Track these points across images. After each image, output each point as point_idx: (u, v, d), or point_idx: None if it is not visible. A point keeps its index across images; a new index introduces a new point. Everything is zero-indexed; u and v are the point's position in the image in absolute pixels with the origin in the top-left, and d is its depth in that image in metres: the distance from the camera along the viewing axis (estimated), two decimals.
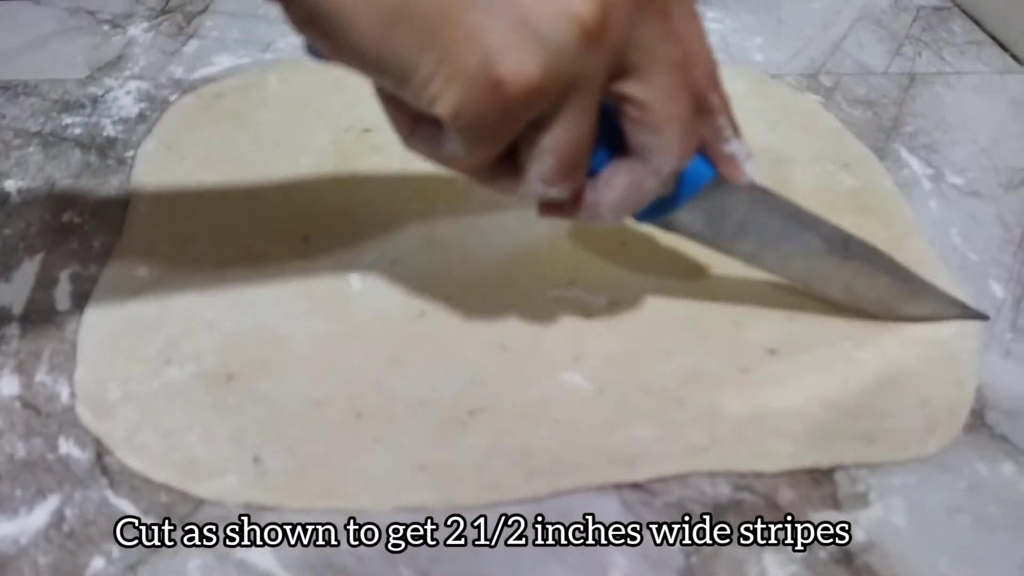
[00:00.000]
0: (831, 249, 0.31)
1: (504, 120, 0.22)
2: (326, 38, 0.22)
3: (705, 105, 0.26)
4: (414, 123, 0.24)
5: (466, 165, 0.24)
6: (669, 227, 0.30)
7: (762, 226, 0.30)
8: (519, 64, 0.21)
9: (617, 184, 0.26)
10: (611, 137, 0.25)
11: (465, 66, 0.21)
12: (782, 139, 0.43)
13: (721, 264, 0.35)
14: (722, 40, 0.51)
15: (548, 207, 0.27)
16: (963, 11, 0.55)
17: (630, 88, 0.24)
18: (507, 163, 0.25)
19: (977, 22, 0.54)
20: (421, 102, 0.22)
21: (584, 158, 0.25)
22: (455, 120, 0.22)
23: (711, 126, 0.27)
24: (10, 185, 0.38)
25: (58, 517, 0.26)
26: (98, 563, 0.25)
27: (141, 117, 0.42)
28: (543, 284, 0.34)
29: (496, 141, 0.23)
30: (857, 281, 0.32)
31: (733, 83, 0.45)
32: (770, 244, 0.31)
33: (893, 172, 0.41)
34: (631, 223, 0.30)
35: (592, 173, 0.26)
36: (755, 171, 0.28)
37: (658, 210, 0.29)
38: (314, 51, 0.24)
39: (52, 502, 0.27)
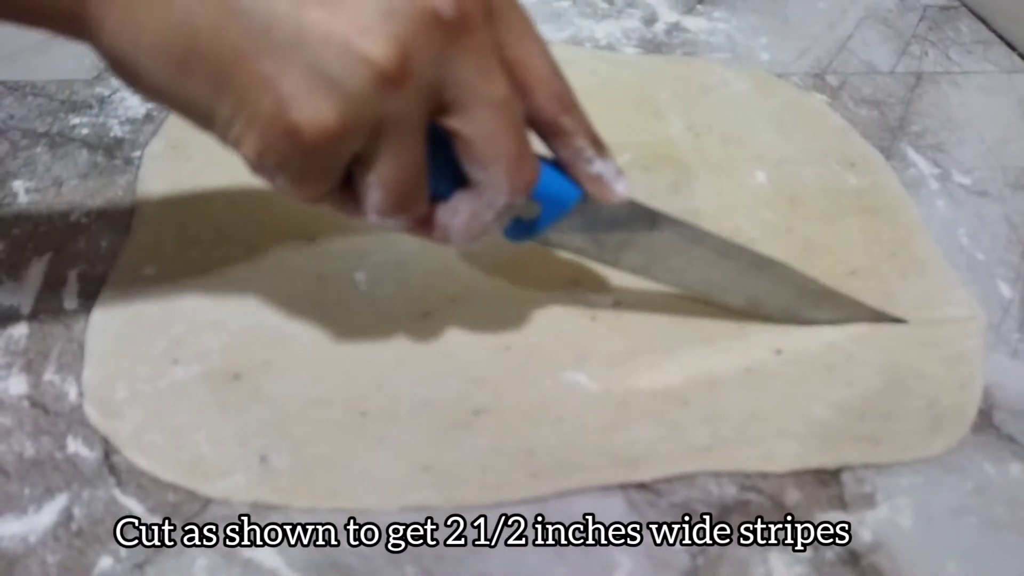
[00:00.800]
0: (723, 262, 0.31)
1: (313, 162, 0.22)
2: (130, 83, 0.22)
3: (557, 129, 0.26)
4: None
5: (302, 198, 0.24)
6: (546, 244, 0.30)
7: (647, 241, 0.30)
8: (314, 110, 0.21)
9: (461, 212, 0.26)
10: (457, 166, 0.25)
11: (260, 112, 0.21)
12: (788, 139, 0.42)
13: None
14: (728, 39, 0.50)
15: (412, 229, 0.27)
16: (970, 10, 0.55)
17: (453, 124, 0.24)
18: (349, 192, 0.25)
19: (984, 21, 0.53)
20: (228, 144, 0.23)
21: (415, 191, 0.25)
22: (260, 161, 0.22)
23: (569, 148, 0.27)
24: (18, 185, 0.38)
25: (66, 516, 0.26)
26: (106, 562, 0.25)
27: (148, 118, 0.42)
28: (547, 284, 0.34)
29: (318, 179, 0.23)
30: (758, 291, 0.32)
31: (739, 82, 0.46)
32: (659, 258, 0.31)
33: (900, 172, 0.41)
34: (507, 241, 0.29)
35: (445, 197, 0.26)
36: (628, 189, 0.28)
37: (527, 230, 0.29)
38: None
39: (60, 501, 0.27)
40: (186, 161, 0.40)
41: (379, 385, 0.30)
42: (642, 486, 0.28)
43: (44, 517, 0.26)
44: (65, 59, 0.47)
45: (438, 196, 0.26)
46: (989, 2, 0.53)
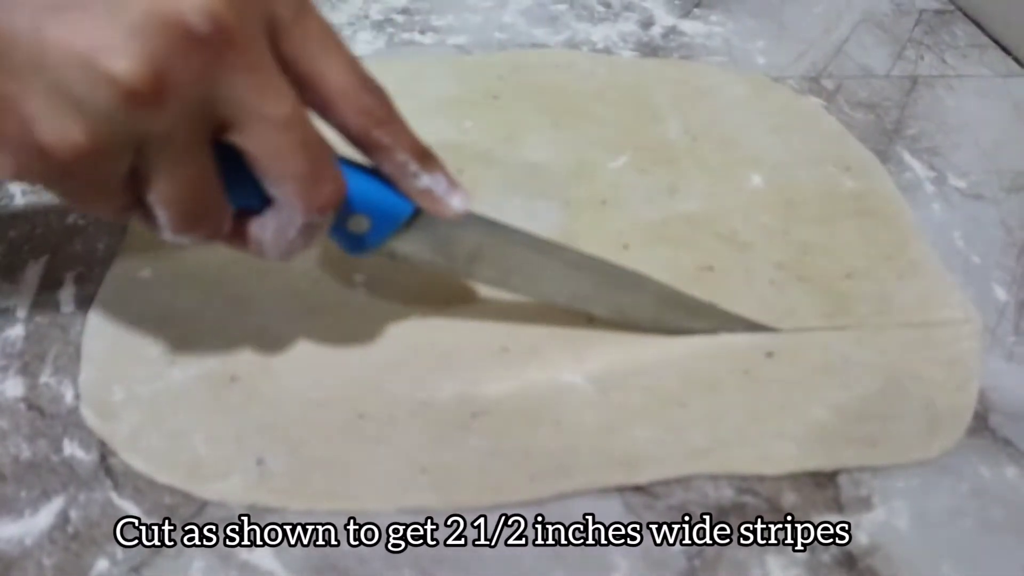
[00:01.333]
0: (579, 274, 0.31)
1: (77, 181, 0.22)
2: None
3: (371, 144, 0.26)
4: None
5: (98, 215, 0.24)
6: (392, 257, 0.29)
7: (498, 253, 0.30)
8: (61, 130, 0.20)
9: (268, 227, 0.25)
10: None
11: (7, 134, 0.21)
12: (784, 142, 0.43)
13: (722, 267, 0.36)
14: (724, 43, 0.51)
15: (224, 243, 0.26)
16: (965, 14, 0.55)
17: (235, 140, 0.23)
18: (146, 210, 0.24)
19: (979, 25, 0.54)
20: None
21: (206, 208, 0.24)
22: (22, 180, 0.22)
23: (390, 163, 0.26)
24: (14, 187, 0.38)
25: (62, 518, 0.26)
26: (102, 564, 0.25)
27: None
28: None
29: (96, 197, 0.23)
30: (621, 302, 0.32)
31: (735, 86, 0.46)
32: (513, 270, 0.30)
33: (895, 175, 0.41)
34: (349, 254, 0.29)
35: (259, 211, 0.26)
36: (465, 202, 0.27)
37: (360, 244, 0.28)
38: None
39: (56, 503, 0.27)
40: None
41: (377, 387, 0.30)
42: (639, 488, 0.28)
43: (40, 520, 0.26)
44: None
45: (251, 210, 0.26)
46: (984, 6, 0.54)
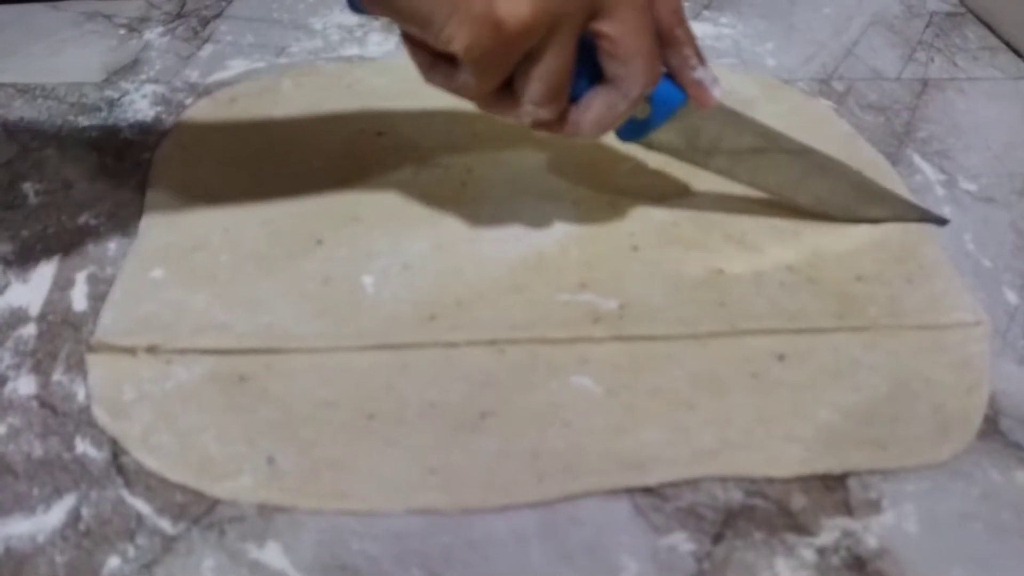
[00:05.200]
0: (794, 161, 0.36)
1: (505, 53, 0.28)
2: None
3: (672, 38, 0.31)
4: (432, 61, 0.30)
5: (475, 93, 0.30)
6: (649, 146, 0.35)
7: (733, 143, 0.35)
8: (514, 6, 0.26)
9: (595, 106, 0.31)
10: (591, 69, 0.30)
11: (472, 12, 0.26)
12: None
13: (731, 270, 0.36)
14: (734, 45, 0.51)
15: (541, 125, 0.31)
16: (976, 17, 0.55)
17: (603, 26, 0.29)
18: (506, 91, 0.30)
19: (990, 28, 0.53)
20: (440, 43, 0.28)
21: (565, 83, 0.30)
22: (467, 54, 0.27)
23: (679, 56, 0.32)
24: (27, 187, 0.38)
25: (74, 516, 0.27)
26: (114, 562, 0.26)
27: (157, 120, 0.43)
28: (554, 287, 0.34)
29: (499, 71, 0.29)
30: (822, 189, 0.37)
31: (745, 88, 0.46)
32: (742, 159, 0.36)
33: (906, 178, 0.41)
34: (618, 142, 0.35)
35: (576, 99, 0.31)
36: (721, 95, 0.33)
37: (638, 130, 0.34)
38: (354, 5, 0.29)
39: (69, 501, 0.27)
40: (195, 164, 0.40)
41: (386, 387, 0.31)
42: (648, 490, 0.28)
43: (53, 517, 0.27)
44: (75, 62, 0.47)
45: (571, 98, 0.31)
46: (995, 9, 0.53)
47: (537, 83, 0.29)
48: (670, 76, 0.32)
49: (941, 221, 0.38)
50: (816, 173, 0.37)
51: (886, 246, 0.37)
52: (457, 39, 0.27)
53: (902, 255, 0.37)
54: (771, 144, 0.36)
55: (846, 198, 0.37)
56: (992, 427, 0.30)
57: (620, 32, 0.29)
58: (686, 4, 0.54)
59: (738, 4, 0.54)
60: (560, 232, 0.37)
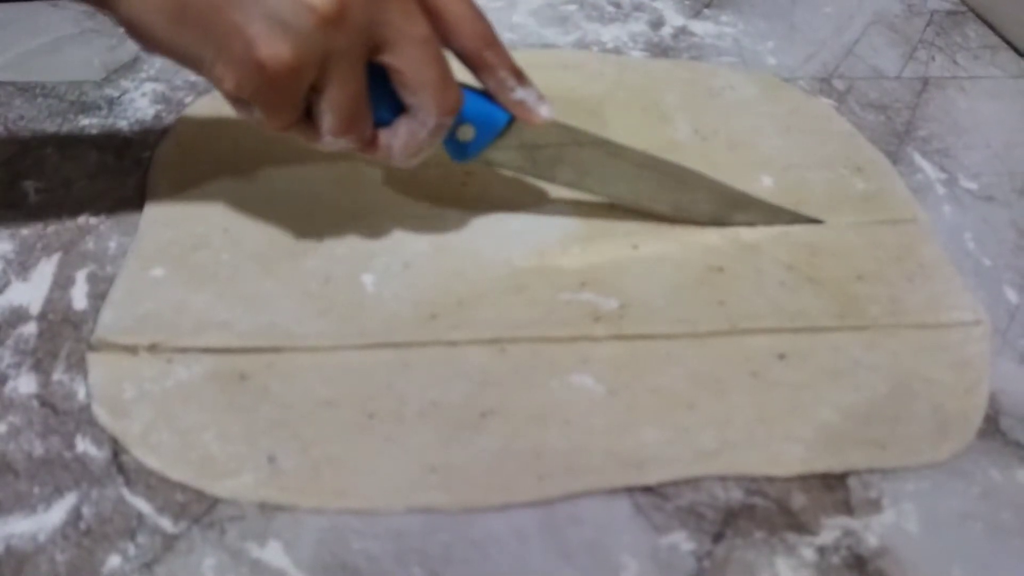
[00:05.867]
0: (645, 173, 0.36)
1: (278, 91, 0.28)
2: (141, 41, 0.28)
3: (482, 63, 0.32)
4: (233, 98, 0.30)
5: (271, 127, 0.30)
6: (488, 164, 0.35)
7: (575, 156, 0.35)
8: (274, 48, 0.27)
9: (400, 133, 0.31)
10: (396, 98, 0.31)
11: (234, 54, 0.27)
12: (794, 143, 0.42)
13: (732, 269, 0.36)
14: (735, 44, 0.51)
15: (359, 150, 0.32)
16: (977, 15, 0.55)
17: (387, 59, 0.29)
18: (309, 122, 0.30)
19: (991, 26, 0.53)
20: (213, 83, 0.28)
21: (359, 113, 0.30)
22: (237, 93, 0.28)
23: (494, 79, 0.32)
24: (27, 185, 0.38)
25: (75, 515, 0.27)
26: (114, 561, 0.26)
27: (157, 119, 0.43)
28: (554, 287, 0.34)
29: (284, 107, 0.29)
30: (681, 199, 0.37)
31: (745, 87, 0.46)
32: (588, 172, 0.36)
33: (906, 176, 0.41)
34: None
35: (387, 124, 0.32)
36: (550, 112, 0.33)
37: (466, 151, 0.34)
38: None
39: (69, 500, 0.27)
40: (195, 163, 0.40)
41: (387, 386, 0.31)
42: (648, 489, 0.28)
43: (53, 516, 0.27)
44: (75, 60, 0.47)
45: (382, 123, 0.31)
46: (996, 7, 0.53)
47: (329, 115, 0.29)
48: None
49: (815, 222, 0.37)
50: (671, 184, 0.36)
51: (886, 245, 0.37)
52: (225, 80, 0.28)
53: (902, 254, 0.37)
54: (614, 156, 0.35)
55: (709, 205, 0.37)
56: (992, 426, 0.30)
57: (405, 65, 0.29)
58: (686, 3, 0.54)
59: (739, 3, 0.54)
60: (560, 232, 0.37)
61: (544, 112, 0.33)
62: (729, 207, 0.37)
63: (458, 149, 0.34)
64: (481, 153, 0.34)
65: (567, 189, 0.36)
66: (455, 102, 0.31)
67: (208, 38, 0.27)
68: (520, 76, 0.32)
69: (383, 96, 0.30)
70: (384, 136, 0.32)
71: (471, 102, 0.32)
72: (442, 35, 0.30)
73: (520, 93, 0.32)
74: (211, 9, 0.27)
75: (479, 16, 0.31)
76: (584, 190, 0.36)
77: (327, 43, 0.27)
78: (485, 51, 0.31)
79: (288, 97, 0.29)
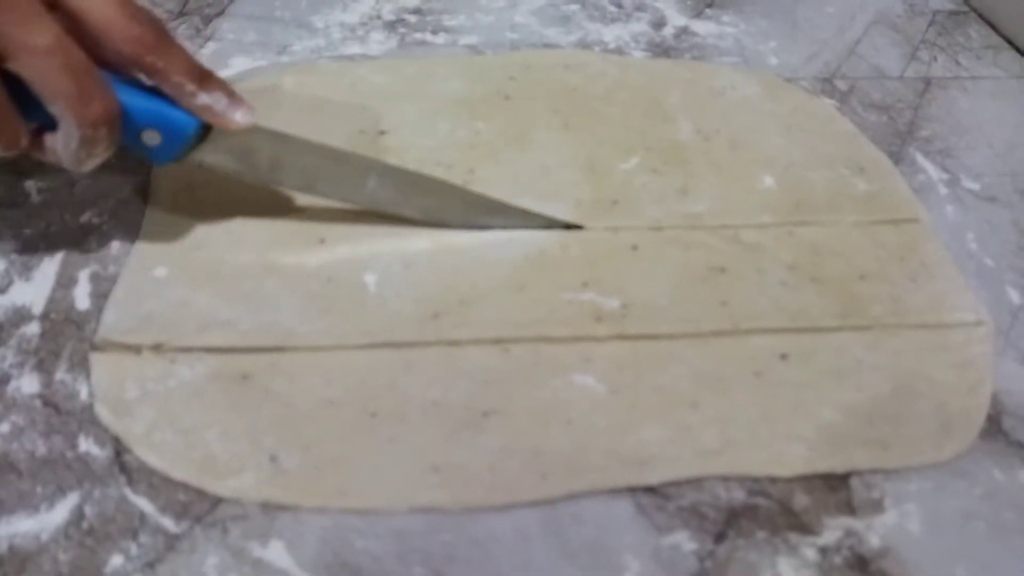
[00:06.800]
0: (380, 180, 0.35)
1: None
2: None
3: (146, 69, 0.30)
4: None
5: None
6: (200, 166, 0.33)
7: (295, 161, 0.34)
8: None
9: (59, 139, 0.30)
10: None
11: None
12: (796, 143, 0.42)
13: (734, 269, 0.36)
14: (737, 44, 0.51)
15: (25, 151, 0.30)
16: (979, 15, 0.55)
17: (12, 68, 0.28)
18: None
19: (993, 27, 0.53)
20: None
21: (2, 118, 0.29)
22: None
23: (169, 84, 0.31)
24: (30, 185, 0.38)
25: (78, 514, 0.27)
26: (117, 560, 0.26)
27: None
28: (556, 287, 0.34)
29: None
30: (427, 204, 0.36)
31: (747, 87, 0.46)
32: (315, 176, 0.35)
33: (908, 177, 0.41)
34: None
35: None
36: (247, 116, 0.32)
37: (161, 155, 0.33)
38: None
39: (72, 499, 0.27)
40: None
41: (389, 386, 0.31)
42: (650, 489, 0.28)
43: (56, 515, 0.27)
44: None
45: (48, 126, 0.30)
46: (999, 7, 0.53)
47: None
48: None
49: (574, 227, 0.36)
50: (410, 190, 0.36)
51: (888, 245, 0.37)
52: None
53: (905, 254, 0.37)
54: (345, 163, 0.35)
55: (457, 211, 0.36)
56: (995, 427, 0.30)
57: (28, 76, 0.28)
58: (688, 3, 0.54)
59: (741, 2, 0.54)
60: (562, 232, 0.37)
61: (239, 117, 0.32)
62: (479, 213, 0.36)
63: (152, 153, 0.32)
64: (186, 156, 0.33)
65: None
66: (99, 113, 0.29)
67: None
68: (203, 78, 0.31)
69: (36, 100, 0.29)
70: (49, 140, 0.30)
71: (151, 105, 0.31)
72: (89, 42, 0.29)
73: (203, 98, 0.31)
74: None
75: (135, 20, 0.29)
76: (316, 195, 0.35)
77: None
78: (146, 56, 0.30)
79: None
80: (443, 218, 0.36)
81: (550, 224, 0.37)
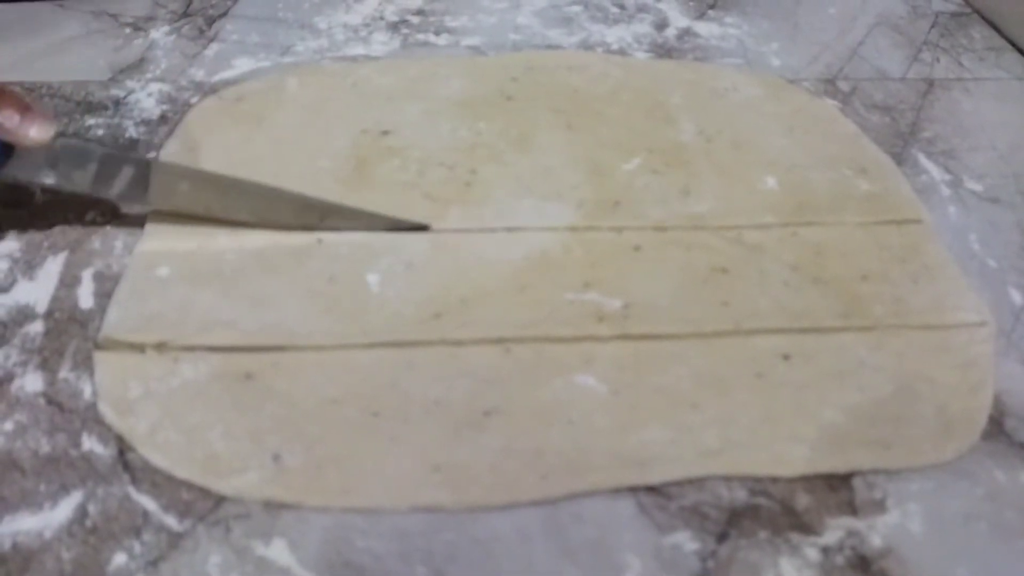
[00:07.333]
0: (205, 186, 0.36)
1: None
2: None
3: None
4: None
5: None
6: (16, 182, 0.34)
7: (114, 172, 0.35)
8: None
9: None
10: None
11: None
12: (799, 144, 0.42)
13: (736, 269, 0.36)
14: (739, 45, 0.51)
15: None
16: (982, 17, 0.55)
17: None
18: None
19: (996, 28, 0.53)
20: None
21: None
22: None
23: None
24: (34, 186, 0.39)
25: (81, 512, 0.27)
26: (120, 558, 0.26)
27: (163, 119, 0.43)
28: (558, 287, 0.34)
29: None
30: (259, 208, 0.36)
31: (750, 88, 0.46)
32: (136, 185, 0.35)
33: (911, 178, 0.41)
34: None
35: None
36: (43, 132, 0.33)
37: None
38: None
39: (75, 497, 0.27)
40: (200, 162, 0.40)
41: (391, 385, 0.31)
42: (652, 489, 0.28)
43: (59, 513, 0.27)
44: (81, 61, 0.47)
45: None
46: (1001, 9, 0.53)
47: None
48: None
49: (420, 228, 0.36)
50: (237, 195, 0.36)
51: (891, 246, 0.37)
52: None
53: (907, 255, 0.37)
54: (162, 172, 0.36)
55: (294, 214, 0.36)
56: (996, 427, 0.30)
57: None
58: (690, 4, 0.54)
59: (743, 4, 0.54)
60: (563, 232, 0.37)
61: (33, 133, 0.33)
62: (316, 216, 0.36)
63: None
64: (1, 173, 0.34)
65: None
66: None
67: None
68: None
69: None
70: None
71: None
72: None
73: None
74: None
75: None
76: (147, 205, 0.36)
77: None
78: None
79: None
80: (281, 222, 0.36)
81: (395, 226, 0.36)
